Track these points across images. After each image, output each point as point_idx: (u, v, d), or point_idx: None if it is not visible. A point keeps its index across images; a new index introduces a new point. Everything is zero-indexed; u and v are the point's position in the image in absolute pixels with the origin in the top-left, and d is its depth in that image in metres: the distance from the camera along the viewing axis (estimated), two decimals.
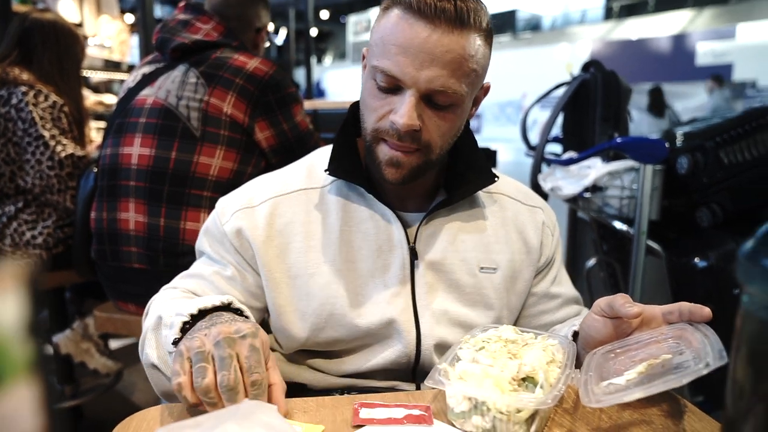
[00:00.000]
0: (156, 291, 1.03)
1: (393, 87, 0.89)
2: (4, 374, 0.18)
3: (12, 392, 0.18)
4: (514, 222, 1.07)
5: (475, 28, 0.87)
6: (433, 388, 0.76)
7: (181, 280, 1.03)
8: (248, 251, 0.99)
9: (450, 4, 0.85)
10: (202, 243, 1.05)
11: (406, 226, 1.00)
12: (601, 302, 0.87)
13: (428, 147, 0.92)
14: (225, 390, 0.69)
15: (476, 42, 0.88)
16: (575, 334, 0.93)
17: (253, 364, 0.71)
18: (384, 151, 0.93)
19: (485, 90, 1.00)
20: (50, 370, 2.29)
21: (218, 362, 0.71)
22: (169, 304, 0.91)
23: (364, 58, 0.99)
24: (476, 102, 0.99)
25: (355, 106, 1.03)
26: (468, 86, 0.90)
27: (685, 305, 0.82)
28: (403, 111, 0.87)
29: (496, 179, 1.04)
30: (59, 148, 2.01)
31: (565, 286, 1.13)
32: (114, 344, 2.96)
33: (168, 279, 1.05)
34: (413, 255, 0.99)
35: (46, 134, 2.01)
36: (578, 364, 0.84)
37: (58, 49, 2.18)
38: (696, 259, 2.03)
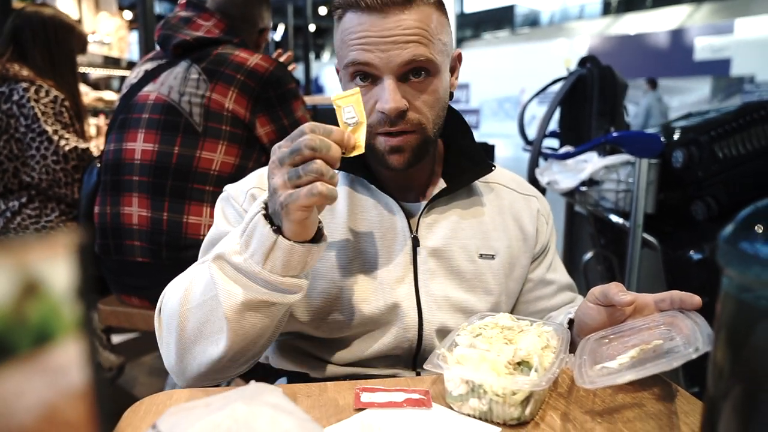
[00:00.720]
0: (159, 284, 1.03)
1: (371, 78, 0.93)
2: (57, 331, 0.21)
3: (63, 347, 0.21)
4: (511, 210, 1.11)
5: (422, 2, 0.91)
6: (432, 373, 0.79)
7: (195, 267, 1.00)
8: None
9: None
10: (219, 230, 1.00)
11: (408, 215, 1.03)
12: (596, 290, 0.90)
13: (421, 125, 0.95)
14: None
15: (429, 13, 0.92)
16: (570, 322, 0.96)
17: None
18: (382, 143, 0.96)
19: (458, 58, 1.04)
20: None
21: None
22: (215, 251, 0.85)
23: (338, 71, 1.02)
24: (453, 71, 1.03)
25: None
26: (437, 54, 0.93)
27: (676, 293, 0.84)
28: (387, 96, 0.91)
29: (493, 168, 1.08)
30: (63, 142, 2.04)
31: (560, 273, 1.16)
32: (116, 339, 2.99)
33: (171, 272, 1.06)
34: (415, 243, 1.02)
35: (49, 129, 2.03)
36: (573, 351, 0.86)
37: (49, 43, 2.19)
38: (691, 252, 2.06)
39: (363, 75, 0.93)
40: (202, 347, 0.86)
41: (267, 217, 0.80)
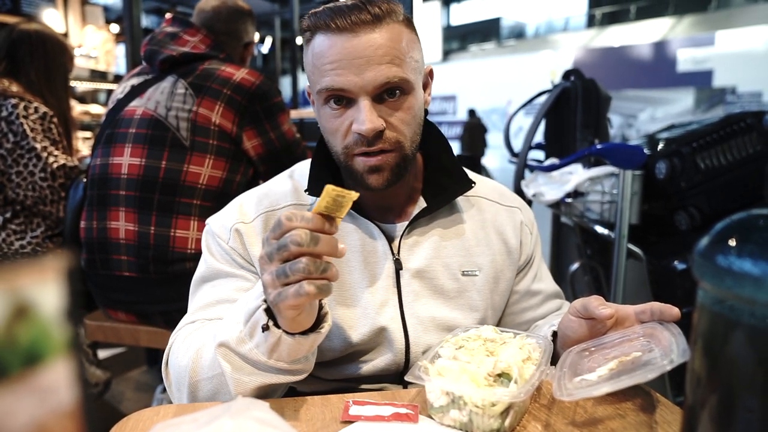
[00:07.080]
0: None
1: (345, 100, 0.93)
2: (46, 352, 0.21)
3: (52, 368, 0.22)
4: (494, 223, 1.10)
5: (392, 21, 0.92)
6: (418, 385, 0.80)
7: (198, 313, 0.98)
8: (253, 263, 1.00)
9: (364, 12, 0.89)
10: (210, 267, 1.01)
11: (389, 238, 1.03)
12: (577, 304, 0.91)
13: (399, 143, 0.95)
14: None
15: (399, 31, 0.92)
16: (554, 334, 0.97)
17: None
18: (360, 164, 0.95)
19: (430, 74, 1.04)
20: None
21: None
22: (217, 330, 0.85)
23: (309, 95, 1.01)
24: (426, 87, 1.03)
25: None
26: (410, 73, 0.93)
27: (656, 305, 0.86)
28: (363, 117, 0.90)
29: (473, 185, 1.07)
30: (51, 159, 2.03)
31: (546, 282, 1.16)
32: (102, 354, 2.96)
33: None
34: (398, 265, 1.02)
35: (38, 146, 2.02)
36: (557, 362, 0.87)
37: (46, 60, 2.20)
38: (675, 262, 2.08)
39: (337, 98, 0.93)
40: None
41: (268, 310, 0.79)
